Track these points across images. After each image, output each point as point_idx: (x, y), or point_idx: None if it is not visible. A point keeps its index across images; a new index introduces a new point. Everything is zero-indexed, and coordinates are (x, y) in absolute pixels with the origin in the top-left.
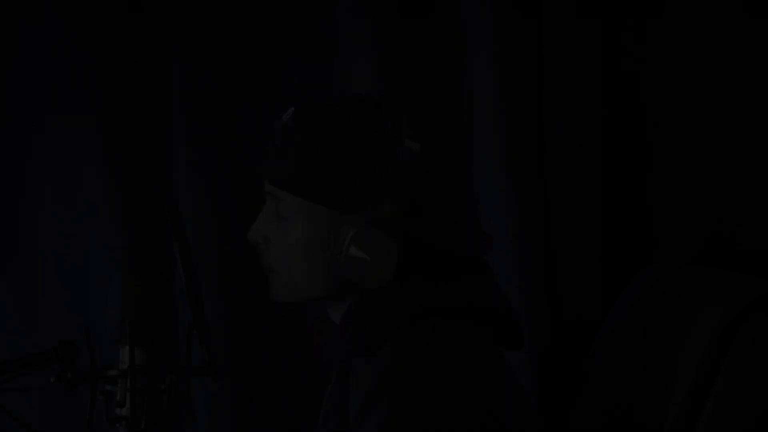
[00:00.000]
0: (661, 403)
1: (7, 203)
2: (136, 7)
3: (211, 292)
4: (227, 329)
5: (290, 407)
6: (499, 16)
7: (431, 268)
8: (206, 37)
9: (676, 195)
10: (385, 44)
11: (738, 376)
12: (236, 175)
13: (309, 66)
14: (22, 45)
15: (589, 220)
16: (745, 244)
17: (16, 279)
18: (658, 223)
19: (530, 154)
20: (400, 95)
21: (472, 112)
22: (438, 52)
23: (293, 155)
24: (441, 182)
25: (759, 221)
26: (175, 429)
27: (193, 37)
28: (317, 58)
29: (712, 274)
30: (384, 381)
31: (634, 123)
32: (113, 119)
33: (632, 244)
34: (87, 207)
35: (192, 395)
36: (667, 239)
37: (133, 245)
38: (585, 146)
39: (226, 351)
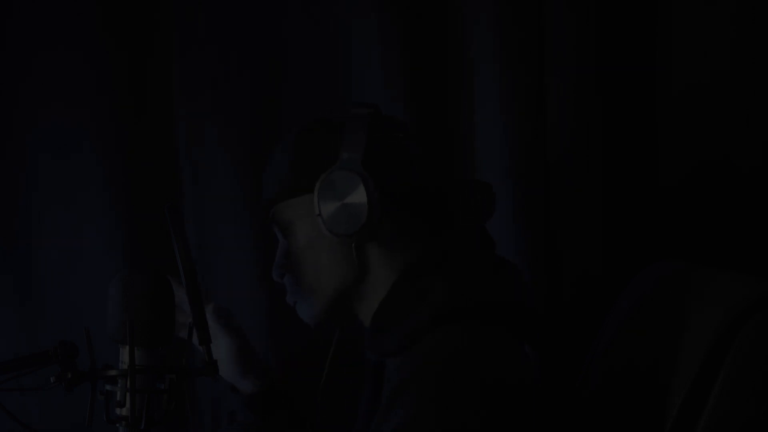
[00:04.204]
0: (661, 403)
1: (7, 203)
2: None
3: (212, 292)
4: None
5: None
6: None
7: (457, 263)
8: (209, 33)
9: (676, 194)
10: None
11: (739, 377)
12: (239, 174)
13: (317, 58)
14: (25, 42)
15: (589, 219)
16: (745, 244)
17: (15, 279)
18: (659, 222)
19: (531, 152)
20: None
21: (472, 107)
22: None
23: (270, 175)
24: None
25: (759, 221)
26: (175, 429)
27: (195, 30)
28: (324, 48)
29: (712, 274)
30: (410, 379)
31: (636, 120)
32: (114, 119)
33: (632, 244)
34: (87, 206)
35: (192, 395)
36: (667, 238)
37: (133, 245)
38: (586, 144)
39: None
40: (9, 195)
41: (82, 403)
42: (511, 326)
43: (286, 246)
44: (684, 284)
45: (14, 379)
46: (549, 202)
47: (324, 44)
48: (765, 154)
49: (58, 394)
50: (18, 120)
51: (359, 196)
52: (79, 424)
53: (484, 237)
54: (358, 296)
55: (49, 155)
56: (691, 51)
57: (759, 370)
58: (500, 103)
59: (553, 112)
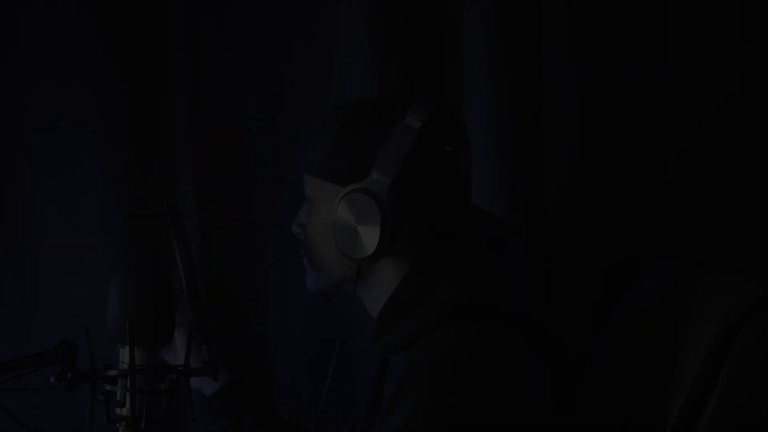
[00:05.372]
0: (662, 404)
1: (8, 203)
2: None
3: (212, 292)
4: (227, 329)
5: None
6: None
7: (463, 263)
8: (209, 33)
9: (676, 194)
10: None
11: (739, 377)
12: (239, 174)
13: (312, 62)
14: (25, 43)
15: (589, 219)
16: (745, 244)
17: (16, 279)
18: (659, 222)
19: (530, 152)
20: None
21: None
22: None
23: (314, 144)
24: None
25: (759, 221)
26: (175, 429)
27: (195, 35)
28: (319, 53)
29: (712, 274)
30: (413, 376)
31: (636, 120)
32: (114, 118)
33: (632, 244)
34: (88, 207)
35: (192, 395)
36: (667, 239)
37: (133, 245)
38: (586, 144)
39: (226, 351)
40: (9, 195)
41: (82, 403)
42: (513, 325)
43: (307, 204)
44: (684, 284)
45: (14, 379)
46: (549, 202)
47: (319, 42)
48: (765, 154)
49: (58, 394)
50: (19, 120)
51: (374, 227)
52: (79, 424)
53: (492, 239)
54: (364, 285)
55: (49, 155)
56: (693, 50)
57: (759, 369)
58: (499, 104)
59: (553, 112)
